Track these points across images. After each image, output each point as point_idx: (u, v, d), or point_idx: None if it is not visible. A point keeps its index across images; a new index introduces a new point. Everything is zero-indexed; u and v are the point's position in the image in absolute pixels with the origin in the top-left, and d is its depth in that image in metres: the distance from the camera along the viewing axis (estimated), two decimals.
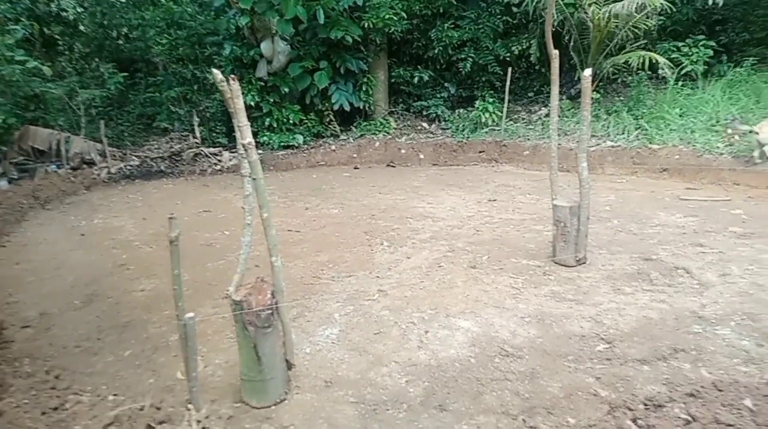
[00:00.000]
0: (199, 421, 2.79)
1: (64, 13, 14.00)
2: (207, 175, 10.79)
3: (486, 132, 11.20)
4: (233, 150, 11.20)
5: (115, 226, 7.07)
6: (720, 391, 2.64)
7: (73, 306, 4.49)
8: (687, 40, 10.36)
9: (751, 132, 7.81)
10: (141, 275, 5.11)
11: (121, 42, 14.26)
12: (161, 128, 13.03)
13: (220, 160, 11.27)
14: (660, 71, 9.46)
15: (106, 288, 4.84)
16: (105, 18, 13.11)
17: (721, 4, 9.29)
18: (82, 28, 14.32)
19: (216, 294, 4.49)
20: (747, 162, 7.47)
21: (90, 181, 10.10)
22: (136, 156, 11.29)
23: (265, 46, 10.90)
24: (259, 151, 10.61)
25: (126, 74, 12.76)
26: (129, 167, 10.80)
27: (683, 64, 10.02)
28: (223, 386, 3.13)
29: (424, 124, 12.38)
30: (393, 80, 12.64)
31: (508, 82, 11.15)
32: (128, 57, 14.32)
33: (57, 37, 13.99)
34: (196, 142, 11.74)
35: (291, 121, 11.45)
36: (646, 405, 2.63)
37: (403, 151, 11.40)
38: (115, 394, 3.10)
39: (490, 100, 11.39)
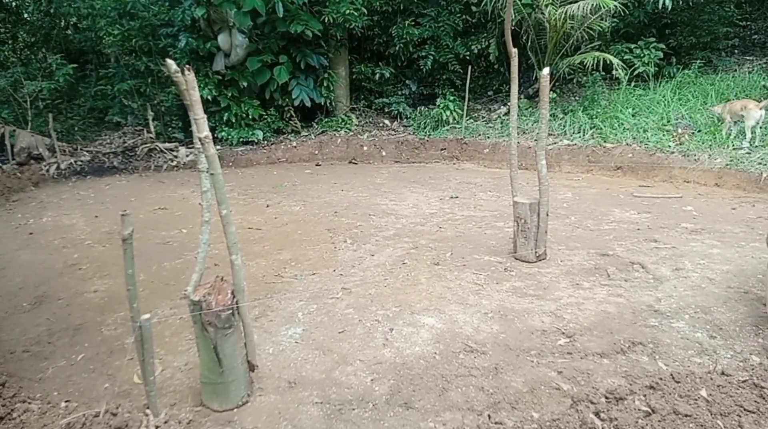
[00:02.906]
0: (157, 427, 2.68)
1: (5, 0, 13.28)
2: (162, 171, 10.47)
3: (447, 130, 11.29)
4: (190, 145, 10.90)
5: (66, 224, 6.77)
6: (677, 382, 2.73)
7: (20, 308, 4.26)
8: (639, 42, 10.73)
9: (719, 119, 8.24)
10: (94, 275, 4.90)
11: (69, 32, 13.64)
12: (114, 122, 12.54)
13: (176, 156, 10.95)
14: (614, 72, 9.75)
15: (57, 289, 4.61)
16: (51, 6, 12.50)
17: (669, 8, 9.63)
18: (26, 15, 13.62)
19: (173, 294, 4.35)
20: (734, 150, 7.77)
21: (38, 177, 9.64)
22: (87, 151, 10.83)
23: (222, 39, 10.65)
24: (218, 147, 10.41)
25: (75, 66, 12.20)
26: (80, 163, 10.36)
27: (635, 66, 10.36)
28: (183, 390, 3.03)
29: (386, 121, 12.38)
30: (354, 76, 12.58)
31: (468, 81, 11.26)
32: (78, 48, 13.71)
33: None
34: (151, 137, 11.36)
35: (250, 116, 11.24)
36: (607, 398, 2.69)
37: (365, 148, 11.37)
38: (67, 401, 2.95)
39: (451, 98, 11.48)
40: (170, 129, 12.02)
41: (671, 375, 2.84)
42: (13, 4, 13.52)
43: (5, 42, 13.85)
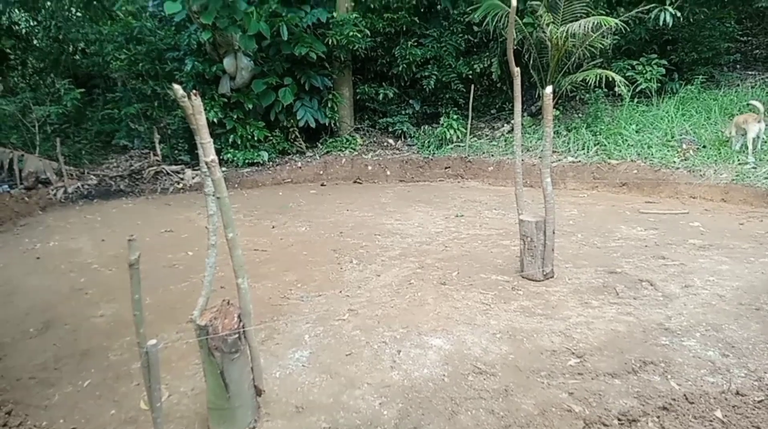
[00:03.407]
0: None
1: (15, 27, 13.55)
2: (169, 193, 10.53)
3: (451, 148, 11.34)
4: (196, 168, 10.97)
5: (73, 248, 6.79)
6: (691, 403, 2.68)
7: (27, 334, 4.25)
8: (641, 59, 10.80)
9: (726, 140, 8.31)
10: (100, 300, 4.90)
11: (77, 57, 13.87)
12: (120, 146, 12.67)
13: (182, 178, 11.02)
14: (616, 89, 9.79)
15: (64, 314, 4.61)
16: (60, 32, 12.73)
17: (670, 24, 9.71)
18: (35, 42, 13.88)
19: (180, 318, 4.33)
20: (740, 165, 7.80)
21: (45, 201, 9.70)
22: (94, 175, 10.93)
23: (227, 62, 10.78)
24: (223, 169, 10.44)
25: (83, 90, 12.38)
26: (87, 186, 10.44)
27: (638, 82, 10.41)
28: (189, 415, 3.00)
29: (390, 141, 12.44)
30: (358, 97, 12.68)
31: (471, 100, 11.33)
32: (85, 73, 13.92)
33: (8, 51, 13.52)
34: (157, 160, 11.45)
35: (255, 138, 11.32)
36: (620, 420, 2.64)
37: (369, 167, 11.41)
38: (73, 428, 2.92)
39: (455, 116, 11.55)
40: (176, 151, 12.12)
41: (684, 395, 2.79)
42: (24, 31, 13.78)
43: (15, 68, 14.10)
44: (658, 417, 2.63)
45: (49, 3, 13.13)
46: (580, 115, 11.12)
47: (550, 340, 3.63)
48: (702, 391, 2.84)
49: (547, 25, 9.87)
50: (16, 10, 13.48)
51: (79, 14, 13.75)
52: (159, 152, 11.56)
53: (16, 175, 10.05)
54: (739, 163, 7.77)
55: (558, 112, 10.85)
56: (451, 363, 3.40)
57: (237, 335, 2.73)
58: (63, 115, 12.19)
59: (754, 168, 7.56)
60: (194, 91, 2.58)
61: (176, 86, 2.59)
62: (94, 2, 13.90)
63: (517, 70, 4.90)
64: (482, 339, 3.71)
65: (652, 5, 9.92)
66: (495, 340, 3.68)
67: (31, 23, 13.76)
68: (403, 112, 12.65)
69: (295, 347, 3.75)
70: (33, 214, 9.05)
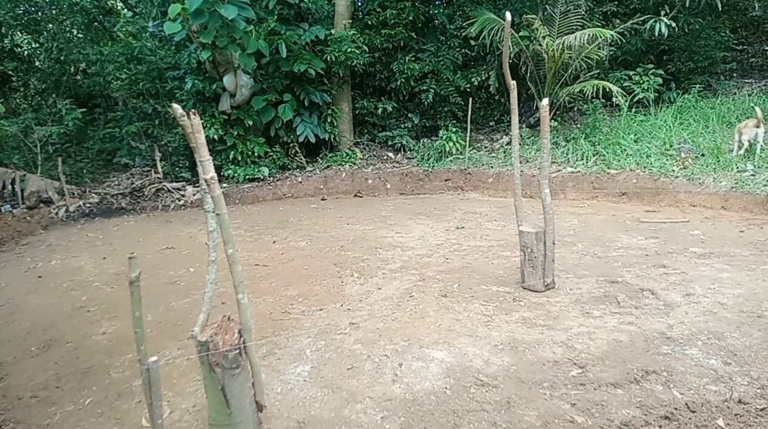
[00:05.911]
0: None
1: (18, 49, 13.72)
2: (170, 210, 10.56)
3: (450, 160, 11.39)
4: (197, 184, 11.02)
5: (74, 266, 6.81)
6: (693, 412, 2.67)
7: (29, 353, 4.25)
8: (637, 69, 10.88)
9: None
10: (102, 317, 4.90)
11: (78, 77, 13.99)
12: (122, 164, 12.75)
13: (183, 195, 11.06)
14: (614, 99, 9.85)
15: (65, 332, 4.61)
16: (61, 53, 12.86)
17: (666, 35, 9.80)
18: (37, 63, 14.04)
19: (181, 334, 4.34)
20: (739, 172, 7.86)
21: (47, 220, 9.74)
22: (95, 193, 10.98)
23: (227, 80, 10.88)
24: (224, 185, 10.55)
25: (84, 110, 12.49)
26: (88, 205, 10.47)
27: (635, 92, 10.48)
28: None
29: (390, 154, 12.50)
30: (357, 111, 12.77)
31: (469, 112, 11.41)
32: (86, 92, 14.05)
33: (11, 73, 13.67)
34: (158, 177, 11.51)
35: (256, 154, 11.39)
36: None
37: (369, 181, 11.45)
38: None
39: (453, 129, 11.62)
40: (177, 169, 12.18)
41: (686, 404, 2.78)
42: (26, 53, 13.95)
43: (17, 89, 14.24)
44: (660, 426, 2.62)
45: (51, 25, 13.31)
46: (578, 125, 11.18)
47: (551, 351, 3.62)
48: (704, 400, 2.83)
49: (543, 37, 9.97)
50: (19, 33, 13.66)
51: (80, 36, 13.91)
52: (160, 170, 11.62)
53: (18, 195, 10.09)
54: (738, 171, 7.79)
55: (556, 123, 10.91)
56: (453, 375, 3.39)
57: (238, 351, 2.73)
58: (64, 134, 12.28)
59: (752, 175, 7.58)
60: (193, 110, 2.62)
61: (175, 106, 2.62)
62: (95, 24, 14.08)
63: (513, 84, 4.94)
64: (484, 351, 3.70)
65: (647, 16, 10.03)
66: (497, 352, 3.67)
67: (33, 45, 13.92)
68: (402, 126, 12.74)
69: (296, 362, 3.74)
70: (35, 234, 9.08)
